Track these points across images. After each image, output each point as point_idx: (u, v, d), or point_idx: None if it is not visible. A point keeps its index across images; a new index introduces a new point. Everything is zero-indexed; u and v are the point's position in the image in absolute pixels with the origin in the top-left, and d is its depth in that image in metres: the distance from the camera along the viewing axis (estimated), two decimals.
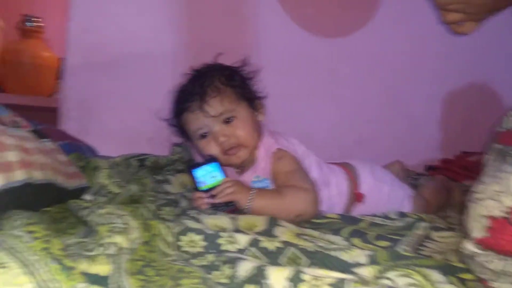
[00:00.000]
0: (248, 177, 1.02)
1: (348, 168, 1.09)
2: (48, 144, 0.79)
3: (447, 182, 1.25)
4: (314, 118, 1.57)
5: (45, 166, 0.70)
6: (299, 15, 1.70)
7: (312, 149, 1.11)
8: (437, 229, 0.84)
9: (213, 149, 1.01)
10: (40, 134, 0.79)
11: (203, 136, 1.02)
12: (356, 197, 1.04)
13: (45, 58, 1.81)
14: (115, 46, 1.54)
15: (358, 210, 1.03)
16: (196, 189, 0.95)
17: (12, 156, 0.61)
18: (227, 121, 1.00)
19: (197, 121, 1.01)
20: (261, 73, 1.67)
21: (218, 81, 1.02)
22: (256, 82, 1.11)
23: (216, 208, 0.89)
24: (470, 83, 1.85)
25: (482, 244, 0.55)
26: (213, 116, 0.99)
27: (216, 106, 0.99)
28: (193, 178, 0.96)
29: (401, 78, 1.79)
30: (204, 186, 0.94)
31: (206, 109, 0.99)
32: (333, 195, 1.03)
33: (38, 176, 0.66)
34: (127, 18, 1.57)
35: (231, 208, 0.90)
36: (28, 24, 1.81)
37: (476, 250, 0.56)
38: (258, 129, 1.04)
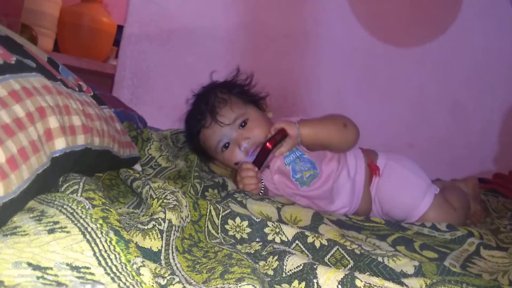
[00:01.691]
0: (279, 158, 1.03)
1: (366, 150, 1.12)
2: (106, 111, 0.80)
3: (466, 196, 1.19)
4: (366, 113, 1.54)
5: (104, 133, 0.71)
6: (367, 19, 1.66)
7: (360, 144, 1.10)
8: (487, 246, 0.80)
9: (238, 156, 1.03)
10: (99, 100, 0.80)
11: (225, 147, 1.05)
12: (371, 168, 1.06)
13: (103, 23, 1.83)
14: (174, 19, 1.55)
15: (376, 185, 1.06)
16: None
17: (76, 120, 0.61)
18: (243, 125, 1.04)
19: (214, 134, 1.05)
20: (314, 62, 1.65)
21: (221, 93, 1.07)
22: (253, 86, 1.14)
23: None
24: None
25: None
26: (228, 124, 1.03)
27: (228, 114, 1.04)
28: None
29: (464, 88, 1.74)
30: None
31: (220, 120, 1.03)
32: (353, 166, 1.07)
33: (97, 142, 0.67)
34: None
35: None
36: None
37: None
38: (271, 126, 1.05)
